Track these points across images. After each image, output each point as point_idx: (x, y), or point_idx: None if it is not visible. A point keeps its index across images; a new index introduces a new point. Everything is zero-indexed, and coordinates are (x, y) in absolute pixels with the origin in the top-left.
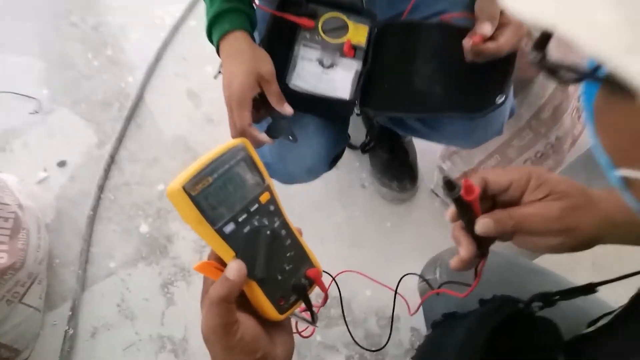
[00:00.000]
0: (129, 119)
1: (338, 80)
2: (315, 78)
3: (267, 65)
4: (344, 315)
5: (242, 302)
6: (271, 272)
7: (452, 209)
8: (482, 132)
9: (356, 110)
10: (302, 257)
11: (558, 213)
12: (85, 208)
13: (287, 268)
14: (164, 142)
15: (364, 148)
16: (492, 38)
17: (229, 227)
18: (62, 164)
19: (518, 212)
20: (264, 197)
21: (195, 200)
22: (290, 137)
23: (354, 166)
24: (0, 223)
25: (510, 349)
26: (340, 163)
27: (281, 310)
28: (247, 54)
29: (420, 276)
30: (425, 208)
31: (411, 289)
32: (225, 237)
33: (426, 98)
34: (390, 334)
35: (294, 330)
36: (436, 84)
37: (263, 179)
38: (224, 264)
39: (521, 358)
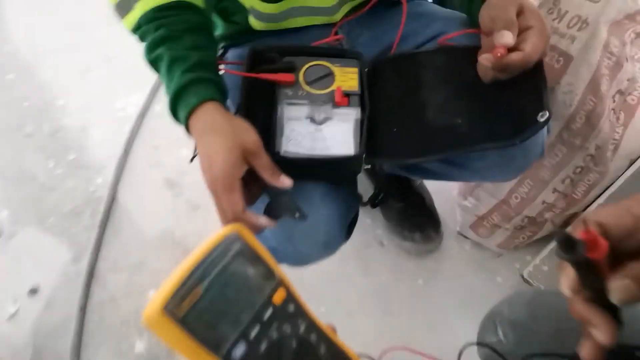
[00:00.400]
0: (104, 224)
1: (337, 135)
2: (310, 138)
3: (250, 136)
4: None
5: None
6: None
7: (569, 277)
8: (522, 159)
9: (364, 166)
10: None
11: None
12: (68, 337)
13: None
14: (148, 242)
15: (373, 202)
16: (514, 48)
17: (240, 350)
18: (33, 291)
19: None
20: (279, 296)
21: (184, 324)
22: (297, 214)
23: (365, 224)
24: None
25: None
26: None
27: None
28: (224, 126)
29: (480, 343)
30: (456, 255)
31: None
32: None
33: (448, 134)
34: None
35: None
36: (455, 115)
37: (272, 273)
38: None
39: None
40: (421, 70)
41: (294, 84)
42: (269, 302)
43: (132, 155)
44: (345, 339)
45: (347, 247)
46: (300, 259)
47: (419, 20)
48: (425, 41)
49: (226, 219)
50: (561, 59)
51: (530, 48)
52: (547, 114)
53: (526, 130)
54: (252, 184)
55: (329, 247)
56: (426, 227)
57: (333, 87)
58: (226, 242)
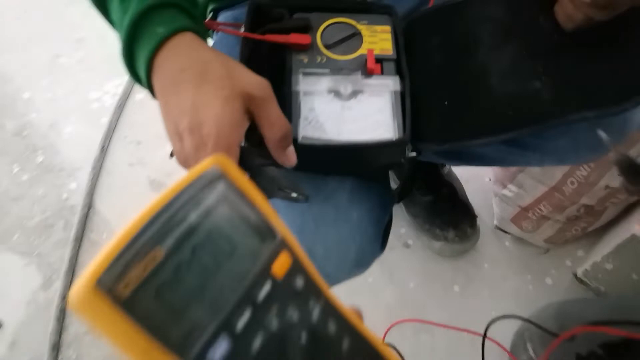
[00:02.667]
0: (80, 238)
1: (371, 113)
2: (335, 119)
3: (251, 77)
4: None
5: None
6: None
7: None
8: (617, 133)
9: (409, 153)
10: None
11: None
12: None
13: None
14: None
15: (399, 195)
16: None
17: (221, 349)
18: None
19: None
20: (281, 265)
21: (130, 308)
22: (294, 195)
23: None
24: None
25: None
26: None
27: None
28: (213, 63)
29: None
30: (496, 254)
31: None
32: None
33: (525, 102)
34: None
35: None
36: (531, 78)
37: (270, 229)
38: None
39: None
40: (476, 25)
41: (310, 47)
42: (266, 273)
43: (110, 154)
44: None
45: None
46: (327, 281)
47: None
48: None
49: None
50: None
51: None
52: None
53: (629, 96)
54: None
55: (361, 264)
56: (460, 222)
57: (361, 51)
58: (202, 182)
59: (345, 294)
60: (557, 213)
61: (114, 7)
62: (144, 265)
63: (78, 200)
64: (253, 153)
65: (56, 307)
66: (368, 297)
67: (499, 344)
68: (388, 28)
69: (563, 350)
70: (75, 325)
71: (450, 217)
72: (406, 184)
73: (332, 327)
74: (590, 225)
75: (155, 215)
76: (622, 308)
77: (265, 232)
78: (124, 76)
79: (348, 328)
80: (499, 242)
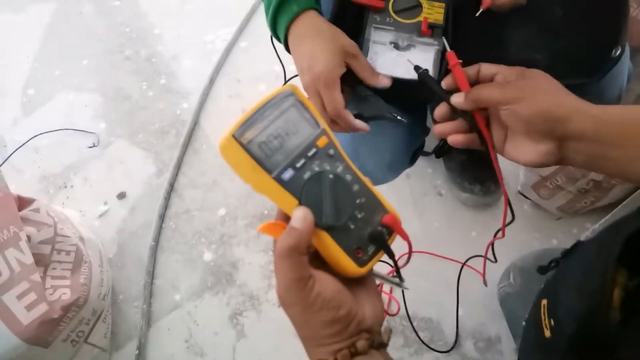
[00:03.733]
0: (186, 145)
1: (418, 61)
2: (391, 62)
3: (348, 39)
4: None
5: (318, 264)
6: (341, 219)
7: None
8: (597, 101)
9: None
10: (374, 204)
11: (514, 77)
12: (147, 240)
13: (360, 216)
14: (222, 165)
15: (438, 152)
16: None
17: (288, 174)
18: (122, 195)
19: (483, 85)
20: (322, 142)
21: (247, 148)
22: (395, 116)
23: (426, 173)
24: (62, 257)
25: None
26: (411, 171)
27: (360, 263)
28: (325, 30)
29: (498, 286)
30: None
31: None
32: (285, 185)
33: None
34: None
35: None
36: (538, 51)
37: (318, 123)
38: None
39: None
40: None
41: (383, 10)
42: (313, 144)
43: (216, 86)
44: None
45: (405, 193)
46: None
47: None
48: None
49: (325, 116)
50: None
51: None
52: (620, 49)
53: (602, 66)
54: (344, 89)
55: (392, 169)
56: (487, 180)
57: (420, 18)
58: (283, 95)
59: None
60: (569, 184)
61: None
62: (253, 131)
63: (188, 117)
64: (361, 88)
65: (165, 190)
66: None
67: (475, 269)
68: (443, 5)
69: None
70: (176, 206)
71: (479, 174)
72: (444, 144)
73: (348, 176)
74: (599, 200)
75: (259, 108)
76: None
77: (313, 124)
78: (234, 25)
79: (358, 180)
80: (519, 204)
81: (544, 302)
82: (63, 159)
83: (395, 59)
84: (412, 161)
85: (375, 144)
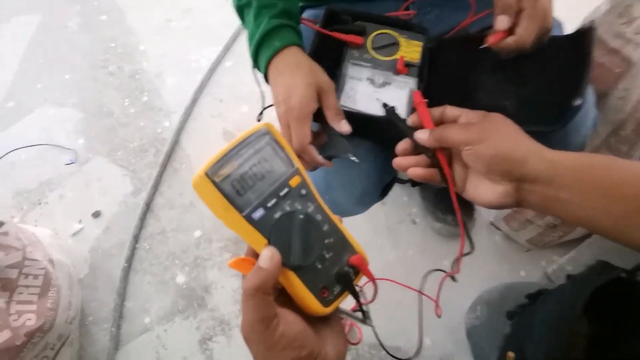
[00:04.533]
0: (165, 164)
1: (392, 99)
2: (366, 98)
3: (325, 76)
4: None
5: (284, 300)
6: (309, 259)
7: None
8: (562, 147)
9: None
10: (343, 244)
11: (476, 119)
12: (120, 260)
13: (327, 256)
14: None
15: (413, 181)
16: (511, 31)
17: (258, 213)
18: (97, 214)
19: (447, 125)
20: (294, 181)
21: (219, 187)
22: (351, 156)
23: (402, 201)
24: (29, 281)
25: (610, 319)
26: (386, 199)
27: (326, 303)
28: (304, 65)
29: (466, 318)
30: (485, 244)
31: None
32: (255, 224)
33: (493, 110)
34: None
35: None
36: (504, 98)
37: (292, 163)
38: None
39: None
40: (479, 54)
41: (362, 47)
42: (285, 183)
43: (199, 105)
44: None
45: (380, 220)
46: (336, 209)
47: (490, 4)
48: (489, 27)
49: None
50: (622, 64)
51: (523, 31)
52: (581, 101)
53: (564, 116)
54: (320, 130)
55: (362, 202)
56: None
57: (396, 56)
58: (258, 134)
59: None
60: (539, 218)
61: (249, 22)
62: (226, 169)
63: (168, 136)
64: (329, 128)
65: (141, 210)
66: (375, 255)
67: (429, 297)
68: (420, 43)
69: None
70: (152, 227)
71: (452, 204)
72: None
73: (319, 217)
74: (566, 235)
75: (234, 146)
76: None
77: (288, 162)
78: (219, 45)
79: (329, 220)
80: (490, 235)
81: (511, 355)
82: (39, 175)
83: (370, 95)
84: (382, 195)
85: (347, 177)
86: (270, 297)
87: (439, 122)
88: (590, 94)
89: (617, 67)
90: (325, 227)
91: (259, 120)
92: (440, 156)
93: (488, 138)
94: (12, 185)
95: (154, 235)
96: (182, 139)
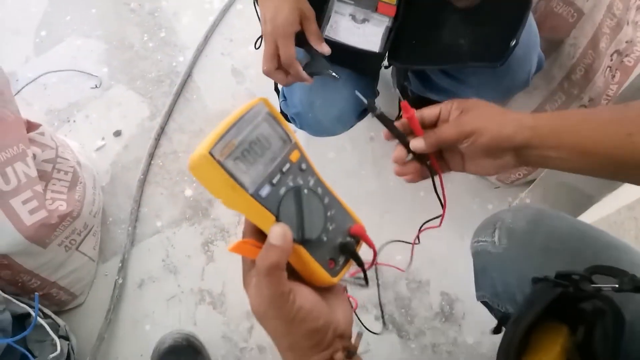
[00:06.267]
0: (178, 94)
1: (370, 34)
2: (348, 31)
3: (307, 4)
4: (377, 280)
5: (291, 275)
6: (316, 232)
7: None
8: (509, 81)
9: (385, 64)
10: (343, 215)
11: (457, 113)
12: (137, 173)
13: (331, 228)
14: (209, 115)
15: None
16: None
17: (265, 190)
18: (117, 133)
19: (438, 128)
20: (294, 156)
21: (224, 166)
22: (332, 73)
23: None
24: (61, 175)
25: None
26: (375, 134)
27: (333, 273)
28: None
29: (476, 238)
30: (460, 180)
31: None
32: (263, 202)
33: (451, 50)
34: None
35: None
36: (461, 36)
37: (289, 137)
38: (260, 240)
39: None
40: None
41: None
42: (286, 158)
43: (210, 43)
44: None
45: (367, 154)
46: (317, 127)
47: None
48: None
49: (273, 63)
50: (575, 14)
51: None
52: (515, 41)
53: (503, 54)
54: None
55: (340, 121)
56: None
57: None
58: (255, 109)
59: (344, 178)
60: None
61: None
62: (228, 147)
63: (182, 69)
64: (311, 50)
65: (155, 131)
66: (358, 183)
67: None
68: None
69: None
70: (165, 147)
71: None
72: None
73: (319, 190)
74: (530, 174)
75: (233, 123)
76: None
77: (286, 137)
78: None
79: (328, 193)
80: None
81: None
82: (68, 97)
83: (351, 29)
84: (359, 117)
85: (329, 98)
86: (285, 273)
87: (422, 124)
88: (531, 36)
89: (571, 17)
90: (327, 200)
91: (257, 48)
92: (430, 155)
93: (478, 127)
94: (45, 104)
95: (167, 154)
96: (194, 73)
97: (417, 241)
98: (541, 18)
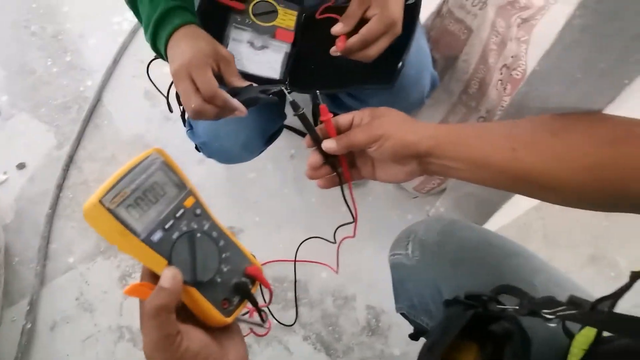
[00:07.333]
0: (87, 120)
1: (269, 61)
2: (247, 59)
3: (224, 48)
4: (295, 298)
5: (185, 315)
6: (208, 274)
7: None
8: (404, 101)
9: (287, 90)
10: (239, 257)
11: (368, 120)
12: (44, 207)
13: (225, 269)
14: (122, 140)
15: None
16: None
17: (157, 235)
18: (21, 166)
19: (350, 132)
20: (189, 202)
21: (115, 213)
22: (269, 97)
23: (308, 154)
24: None
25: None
26: (295, 152)
27: (227, 314)
28: (202, 36)
29: (392, 251)
30: (380, 191)
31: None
32: (154, 246)
33: (347, 73)
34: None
35: (248, 331)
36: (354, 61)
37: (184, 184)
38: (156, 283)
39: None
40: None
41: (244, 12)
42: (180, 204)
43: (120, 65)
44: (270, 246)
45: (290, 172)
46: (225, 155)
47: None
48: None
49: (194, 100)
50: (465, 31)
51: (365, 30)
52: (401, 63)
53: (392, 76)
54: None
55: (247, 148)
56: None
57: (275, 23)
58: (149, 159)
59: (267, 198)
60: None
61: (144, 6)
62: (120, 195)
63: (90, 94)
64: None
65: (63, 162)
66: (281, 202)
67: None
68: (295, 13)
69: None
70: (75, 177)
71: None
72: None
73: (214, 233)
74: (443, 183)
75: (126, 172)
76: None
77: (181, 185)
78: None
79: (224, 235)
80: (383, 185)
81: None
82: None
83: (250, 56)
84: (267, 143)
85: (233, 127)
86: (174, 315)
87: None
88: (422, 57)
89: (462, 34)
90: (222, 243)
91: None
92: (342, 159)
93: (386, 133)
94: None
95: (77, 185)
96: (104, 97)
97: (334, 240)
98: (437, 35)
